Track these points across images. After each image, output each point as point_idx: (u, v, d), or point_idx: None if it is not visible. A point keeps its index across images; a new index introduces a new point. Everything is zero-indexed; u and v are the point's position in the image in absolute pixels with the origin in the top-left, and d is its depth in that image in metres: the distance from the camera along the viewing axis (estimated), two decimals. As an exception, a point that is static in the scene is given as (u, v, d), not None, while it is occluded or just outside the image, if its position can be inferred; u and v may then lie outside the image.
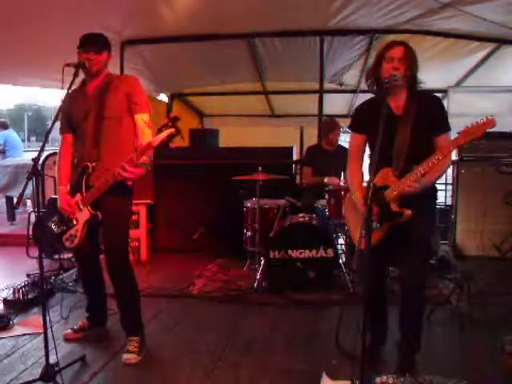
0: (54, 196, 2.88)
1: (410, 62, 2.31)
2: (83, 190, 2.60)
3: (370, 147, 2.50)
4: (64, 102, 2.66)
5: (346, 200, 2.68)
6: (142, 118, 2.62)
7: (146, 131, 2.58)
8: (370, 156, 2.48)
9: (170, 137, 2.33)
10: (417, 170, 2.22)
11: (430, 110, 2.34)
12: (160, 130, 2.33)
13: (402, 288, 2.41)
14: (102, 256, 2.83)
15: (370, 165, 2.34)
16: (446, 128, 2.35)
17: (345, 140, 5.56)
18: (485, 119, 2.09)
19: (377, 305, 2.56)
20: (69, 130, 2.73)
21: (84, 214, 2.61)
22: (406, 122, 2.33)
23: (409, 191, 2.23)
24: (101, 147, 2.60)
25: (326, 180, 4.32)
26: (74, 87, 2.60)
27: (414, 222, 2.27)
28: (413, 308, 2.38)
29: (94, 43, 2.59)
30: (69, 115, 2.68)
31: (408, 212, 2.26)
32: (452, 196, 5.19)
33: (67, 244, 2.66)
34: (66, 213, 2.66)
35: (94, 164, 2.59)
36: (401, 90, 2.36)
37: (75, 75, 2.48)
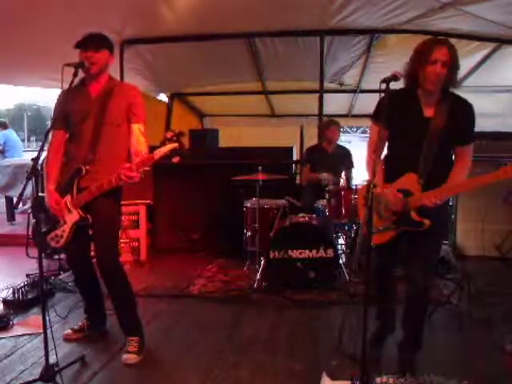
0: (41, 194, 2.85)
1: (453, 64, 2.17)
2: (74, 192, 2.59)
3: (389, 140, 2.41)
4: (61, 98, 2.67)
5: (362, 189, 2.69)
6: (138, 128, 2.64)
7: (142, 140, 2.62)
8: (389, 149, 2.42)
9: (173, 152, 2.31)
10: (442, 189, 2.17)
11: (460, 117, 2.24)
12: (163, 144, 2.31)
13: (409, 288, 2.40)
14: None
15: (387, 160, 2.32)
16: (472, 139, 2.28)
17: (345, 140, 5.57)
18: None
19: (387, 297, 2.59)
20: (63, 126, 2.71)
21: (73, 216, 2.60)
22: (435, 126, 2.22)
23: (430, 206, 2.19)
24: (97, 152, 2.60)
25: (320, 176, 4.26)
26: (70, 85, 2.57)
27: (429, 226, 2.25)
28: (418, 308, 2.39)
29: (92, 41, 2.57)
30: (66, 113, 2.65)
31: (427, 222, 2.24)
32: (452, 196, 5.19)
33: (52, 244, 2.65)
34: (54, 211, 2.63)
35: (87, 167, 2.59)
36: (435, 91, 2.25)
37: (75, 75, 2.48)
